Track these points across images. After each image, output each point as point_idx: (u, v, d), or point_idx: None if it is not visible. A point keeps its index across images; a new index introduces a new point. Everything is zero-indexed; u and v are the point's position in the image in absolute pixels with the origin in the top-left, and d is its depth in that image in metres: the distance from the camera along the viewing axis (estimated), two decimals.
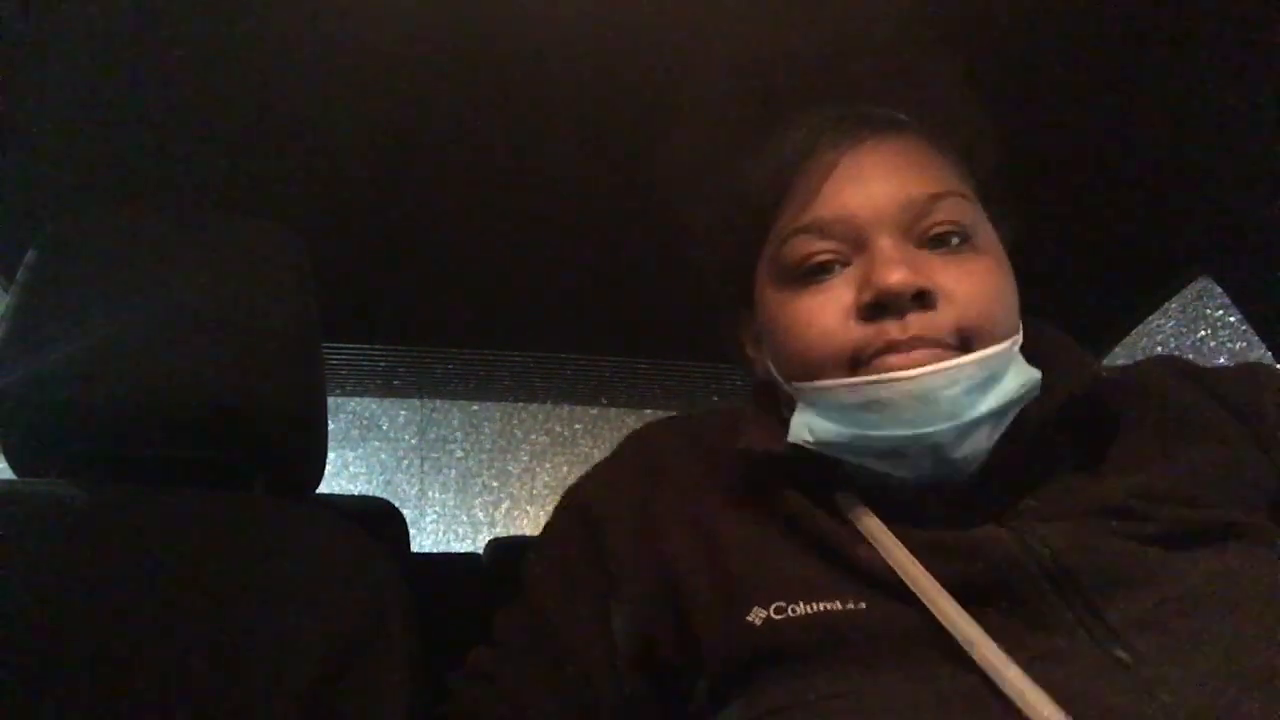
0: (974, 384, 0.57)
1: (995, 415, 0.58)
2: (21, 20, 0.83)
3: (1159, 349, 1.88)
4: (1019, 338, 0.61)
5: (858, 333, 0.59)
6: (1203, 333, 1.83)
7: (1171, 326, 1.82)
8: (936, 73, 0.67)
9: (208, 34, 0.86)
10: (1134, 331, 1.25)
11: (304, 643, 0.67)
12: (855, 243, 0.61)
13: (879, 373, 0.57)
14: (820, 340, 0.60)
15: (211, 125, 0.97)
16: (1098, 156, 1.00)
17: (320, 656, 0.67)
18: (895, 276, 0.57)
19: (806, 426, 0.61)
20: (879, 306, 0.58)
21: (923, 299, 0.58)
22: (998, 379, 0.58)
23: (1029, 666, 0.49)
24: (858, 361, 0.59)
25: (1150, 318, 1.24)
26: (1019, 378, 0.59)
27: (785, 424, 0.64)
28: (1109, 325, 1.23)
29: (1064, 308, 0.66)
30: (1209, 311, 1.81)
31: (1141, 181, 1.01)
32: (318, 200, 1.06)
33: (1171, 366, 0.67)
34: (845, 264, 0.61)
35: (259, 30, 0.86)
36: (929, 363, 0.56)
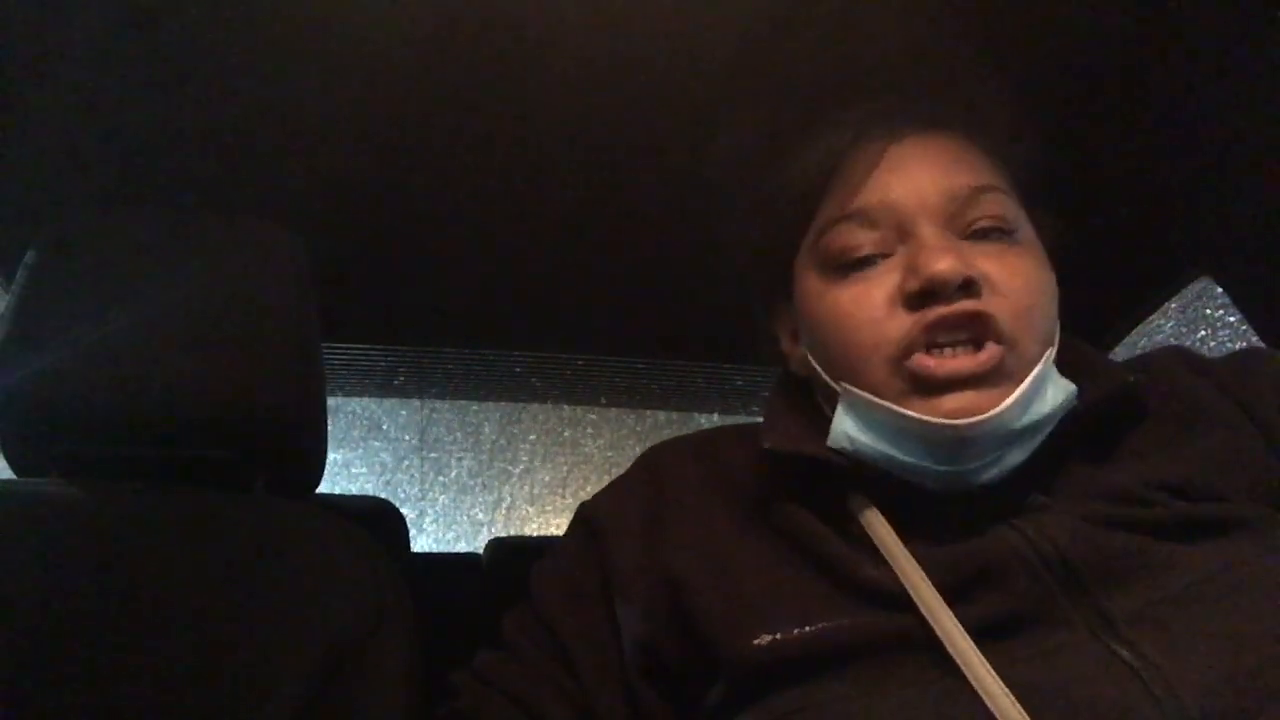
0: (1010, 418, 0.57)
1: (1030, 431, 0.58)
2: (21, 21, 0.83)
3: None
4: (1054, 350, 0.60)
5: (902, 323, 0.59)
6: (1203, 333, 1.83)
7: (1171, 326, 1.81)
8: (978, 77, 0.68)
9: (207, 34, 0.86)
10: (1134, 331, 1.25)
11: (303, 642, 0.67)
12: (899, 231, 0.61)
13: (924, 379, 0.57)
14: (865, 330, 0.60)
15: (211, 125, 0.97)
16: (1097, 156, 1.00)
17: (320, 656, 0.67)
18: (943, 264, 0.57)
19: (846, 435, 0.61)
20: (926, 294, 0.58)
21: (969, 288, 0.58)
22: (1033, 400, 0.58)
23: (1030, 664, 0.49)
24: (904, 355, 0.59)
25: (1150, 318, 1.23)
26: (1058, 395, 0.59)
27: (814, 421, 0.65)
28: (1109, 325, 1.23)
29: (1064, 308, 0.66)
30: (1209, 311, 1.80)
31: (1141, 181, 1.01)
32: (318, 200, 1.06)
33: (1180, 357, 0.67)
34: (888, 255, 0.61)
35: (259, 30, 0.86)
36: (970, 369, 0.56)
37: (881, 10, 0.84)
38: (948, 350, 0.57)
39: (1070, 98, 0.93)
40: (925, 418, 0.57)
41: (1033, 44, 0.87)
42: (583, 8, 0.84)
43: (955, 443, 0.57)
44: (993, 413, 0.56)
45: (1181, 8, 0.82)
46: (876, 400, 0.59)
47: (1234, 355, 0.67)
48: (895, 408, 0.58)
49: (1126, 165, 1.00)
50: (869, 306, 0.60)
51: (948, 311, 0.57)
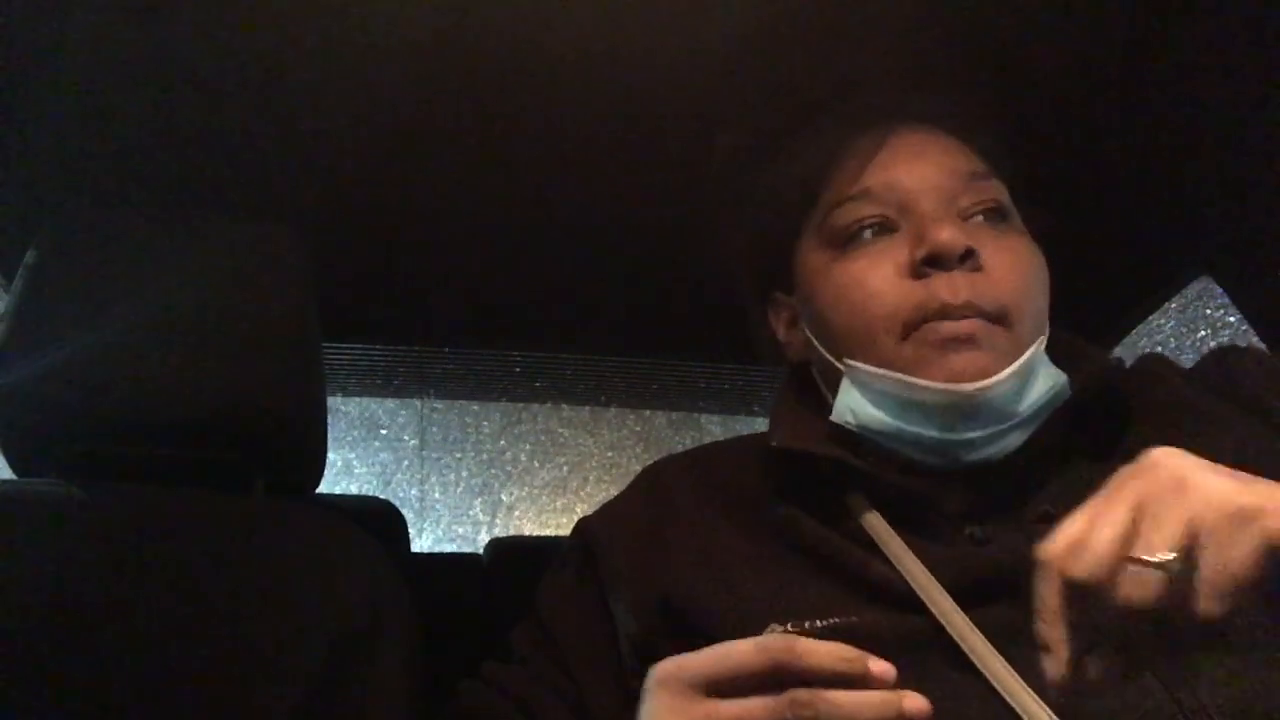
0: (1011, 391, 0.59)
1: (1027, 420, 0.60)
2: (21, 21, 0.83)
3: (1159, 349, 1.87)
4: (1044, 339, 0.62)
5: (910, 291, 0.61)
6: (1203, 333, 1.83)
7: (1171, 326, 1.81)
8: (967, 81, 0.72)
9: (207, 34, 0.86)
10: (1134, 331, 1.25)
11: (303, 643, 0.67)
12: (902, 209, 0.64)
13: (932, 340, 0.59)
14: (873, 300, 0.62)
15: (211, 125, 0.97)
16: (1097, 156, 1.00)
17: (320, 656, 0.67)
18: (946, 233, 0.60)
19: (850, 409, 0.63)
20: (931, 262, 0.60)
21: (970, 258, 0.60)
22: (1029, 383, 0.60)
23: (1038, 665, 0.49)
24: (911, 324, 0.60)
25: (1150, 318, 1.24)
26: (1047, 380, 0.61)
27: (820, 417, 0.66)
28: (1109, 325, 1.23)
29: (1064, 308, 0.66)
30: (1209, 311, 1.80)
31: (1142, 181, 1.01)
32: (318, 200, 1.06)
33: (1162, 362, 0.69)
34: (893, 230, 0.64)
35: (259, 30, 0.86)
36: (979, 335, 0.58)
37: (877, 13, 0.84)
38: (955, 315, 0.59)
39: (1071, 98, 0.93)
40: (932, 384, 0.58)
41: (1033, 44, 0.87)
42: (582, 9, 0.84)
43: (959, 407, 0.58)
44: (997, 377, 0.58)
45: (1181, 7, 0.82)
46: (881, 371, 0.61)
47: (1210, 356, 0.69)
48: (902, 376, 0.60)
49: (1127, 165, 1.00)
50: (877, 278, 0.62)
51: (951, 303, 0.59)
